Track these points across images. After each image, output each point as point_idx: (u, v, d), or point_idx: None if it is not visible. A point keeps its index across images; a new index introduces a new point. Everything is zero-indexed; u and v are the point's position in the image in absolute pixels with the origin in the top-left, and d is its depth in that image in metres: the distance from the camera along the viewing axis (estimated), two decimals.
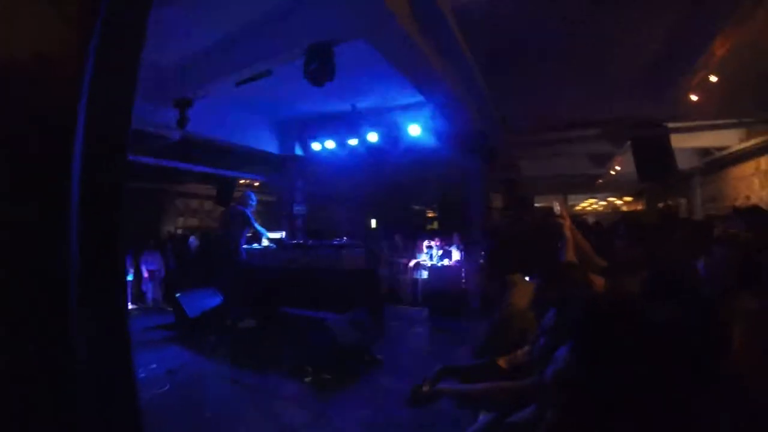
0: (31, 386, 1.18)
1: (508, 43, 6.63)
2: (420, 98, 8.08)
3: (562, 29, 6.29)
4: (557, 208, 3.35)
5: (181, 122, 7.37)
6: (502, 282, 3.35)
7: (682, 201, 14.16)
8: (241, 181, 12.81)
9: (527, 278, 3.35)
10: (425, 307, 9.29)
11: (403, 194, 14.46)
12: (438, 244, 10.49)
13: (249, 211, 7.73)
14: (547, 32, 6.36)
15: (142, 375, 5.32)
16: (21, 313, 1.17)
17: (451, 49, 6.17)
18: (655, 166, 7.68)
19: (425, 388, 2.48)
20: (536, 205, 15.65)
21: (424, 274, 10.29)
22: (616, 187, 18.09)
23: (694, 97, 7.83)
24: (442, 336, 7.45)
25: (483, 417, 2.57)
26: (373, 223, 15.68)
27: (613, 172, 13.62)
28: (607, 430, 1.35)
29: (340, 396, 4.90)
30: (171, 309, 7.80)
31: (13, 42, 1.15)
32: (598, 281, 2.63)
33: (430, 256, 10.36)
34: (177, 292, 7.64)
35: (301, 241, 8.83)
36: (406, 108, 9.16)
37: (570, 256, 3.05)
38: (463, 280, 9.26)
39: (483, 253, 7.43)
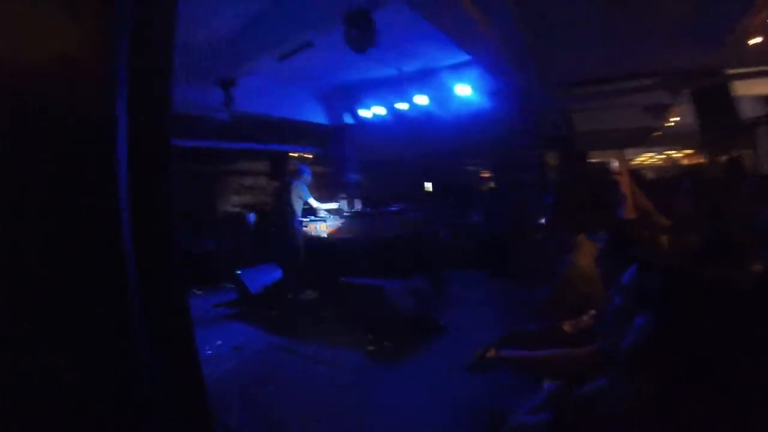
0: (96, 382, 1.20)
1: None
2: (466, 57, 7.82)
3: None
4: (614, 164, 3.15)
5: (227, 102, 7.43)
6: (562, 242, 3.22)
7: (748, 153, 13.27)
8: (294, 155, 12.88)
9: (589, 238, 3.21)
10: (484, 269, 9.13)
11: (455, 155, 14.22)
12: (493, 204, 10.24)
13: (303, 184, 7.73)
14: None
15: (209, 352, 5.45)
16: (81, 307, 1.18)
17: (492, 2, 5.87)
18: (717, 116, 7.16)
19: (488, 355, 2.42)
20: (591, 161, 15.08)
21: (481, 237, 10.10)
22: (675, 140, 17.03)
23: (756, 40, 7.18)
24: (502, 299, 7.30)
25: (547, 385, 2.47)
26: (428, 186, 15.53)
27: (670, 124, 12.91)
28: (686, 407, 1.24)
29: (402, 364, 4.90)
30: (233, 286, 7.97)
31: (35, 44, 1.14)
32: (662, 240, 2.47)
33: (485, 216, 10.15)
34: (237, 269, 7.77)
35: (358, 210, 8.83)
36: (452, 68, 8.90)
37: (630, 213, 2.87)
38: (521, 241, 9.04)
39: (542, 212, 7.19)
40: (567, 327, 2.59)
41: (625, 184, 2.97)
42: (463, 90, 8.84)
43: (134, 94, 1.32)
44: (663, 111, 11.92)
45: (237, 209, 13.80)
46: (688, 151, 19.09)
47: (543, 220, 7.17)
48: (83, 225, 1.18)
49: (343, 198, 10.63)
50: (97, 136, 1.20)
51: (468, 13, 5.59)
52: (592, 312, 2.53)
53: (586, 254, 2.97)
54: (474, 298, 7.57)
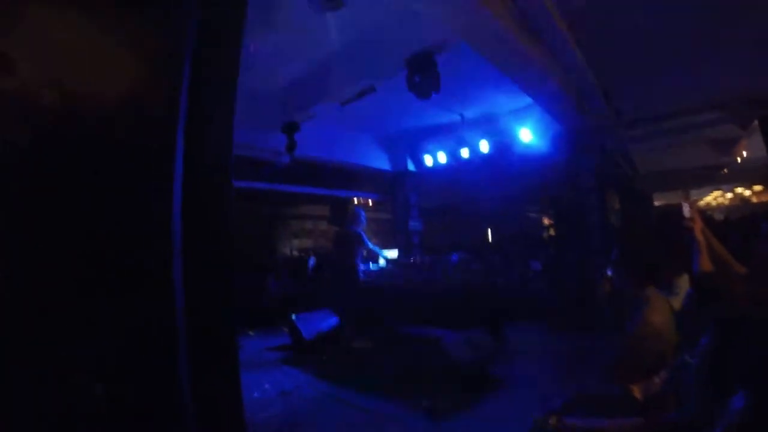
0: (141, 419, 1.16)
1: (614, 28, 5.96)
2: (529, 100, 7.68)
3: (673, 5, 5.55)
4: (686, 209, 2.83)
5: (290, 146, 7.53)
6: (631, 295, 2.96)
7: None
8: (355, 200, 12.96)
9: (660, 291, 2.94)
10: (545, 321, 8.70)
11: (517, 202, 13.96)
12: (555, 252, 9.83)
13: (362, 230, 7.69)
14: (656, 11, 5.64)
15: (255, 396, 5.33)
16: (130, 345, 1.15)
17: (555, 42, 5.71)
18: None
19: (551, 422, 2.17)
20: (656, 203, 14.42)
21: (543, 286, 9.68)
22: (744, 176, 16.02)
23: None
24: (565, 353, 6.88)
25: None
26: (489, 234, 15.26)
27: (739, 159, 12.21)
28: None
29: (458, 420, 4.58)
30: (286, 330, 7.90)
31: (98, 74, 1.13)
32: (739, 291, 2.18)
33: (547, 266, 9.74)
34: (292, 313, 7.71)
35: (418, 259, 8.70)
36: (515, 112, 8.81)
37: (706, 264, 2.55)
38: (586, 291, 8.59)
39: (607, 261, 6.78)
40: (637, 391, 2.35)
41: (699, 230, 2.64)
42: (525, 134, 8.66)
43: (194, 129, 1.30)
44: (731, 145, 11.29)
45: (296, 252, 13.96)
46: (758, 188, 17.98)
47: (609, 271, 6.77)
48: (135, 258, 1.16)
49: (402, 246, 10.54)
50: (156, 169, 1.20)
51: (531, 55, 5.44)
52: (663, 374, 2.28)
53: (657, 310, 2.73)
54: (534, 351, 7.18)
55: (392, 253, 8.85)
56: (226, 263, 1.43)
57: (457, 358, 5.41)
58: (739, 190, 19.01)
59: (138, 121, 1.15)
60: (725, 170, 13.66)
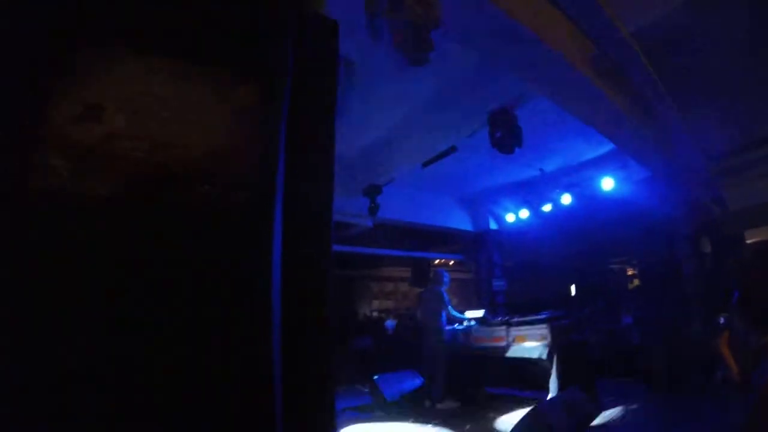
0: None
1: (694, 61, 5.68)
2: (609, 147, 7.48)
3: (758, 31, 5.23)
4: None
5: (372, 209, 7.63)
6: (757, 343, 2.65)
7: None
8: (436, 261, 12.86)
9: None
10: (641, 379, 8.07)
11: (599, 254, 13.38)
12: (645, 304, 9.21)
13: (444, 291, 7.58)
14: (740, 38, 5.34)
15: None
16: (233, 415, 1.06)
17: (639, 85, 5.52)
18: None
19: None
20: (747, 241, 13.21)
21: (635, 341, 9.06)
22: None
23: None
24: (669, 416, 6.31)
25: None
26: (572, 289, 14.64)
27: None
28: None
29: None
30: (367, 390, 7.76)
31: (186, 142, 1.09)
32: None
33: (638, 319, 9.14)
34: (374, 374, 7.58)
35: (505, 318, 8.43)
36: (596, 162, 8.56)
37: None
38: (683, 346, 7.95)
39: (718, 310, 6.26)
40: None
41: None
42: (608, 183, 8.37)
43: (293, 190, 1.25)
44: None
45: (377, 314, 13.90)
46: None
47: (722, 320, 6.23)
48: (232, 323, 1.08)
49: (486, 305, 10.26)
50: (253, 234, 1.12)
51: (610, 100, 5.30)
52: None
53: None
54: (630, 410, 6.64)
55: (476, 314, 8.60)
56: (326, 331, 1.35)
57: (557, 425, 5.06)
58: None
59: (232, 179, 1.10)
60: None
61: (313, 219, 1.35)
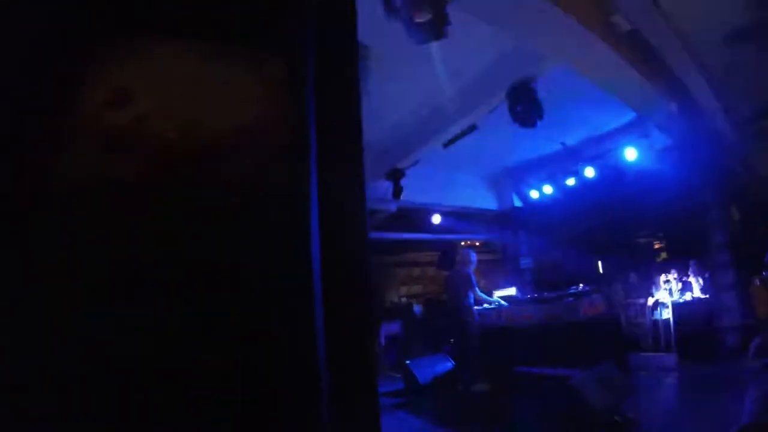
0: None
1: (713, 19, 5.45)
2: (631, 116, 7.40)
3: None
4: None
5: (396, 193, 7.61)
6: None
7: None
8: (462, 243, 12.79)
9: None
10: (672, 352, 7.98)
11: (625, 227, 13.23)
12: (675, 276, 9.08)
13: (471, 272, 7.55)
14: None
15: None
16: (277, 404, 1.06)
17: (660, 49, 5.38)
18: None
19: None
20: None
21: (665, 314, 8.94)
22: None
23: None
24: (699, 386, 6.26)
25: None
26: (600, 264, 14.52)
27: None
28: None
29: None
30: (399, 375, 7.80)
31: (218, 119, 1.07)
32: None
33: (669, 291, 8.99)
34: (405, 359, 7.65)
35: (536, 295, 8.38)
36: (618, 132, 8.46)
37: None
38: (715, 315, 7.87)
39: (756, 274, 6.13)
40: None
41: None
42: (631, 154, 8.23)
43: (327, 164, 1.22)
44: None
45: (405, 300, 13.92)
46: None
47: (756, 281, 6.10)
48: (274, 310, 1.05)
49: (514, 284, 10.22)
50: (291, 211, 1.09)
51: (631, 65, 5.16)
52: None
53: None
54: (665, 384, 6.58)
55: (507, 292, 8.57)
56: (368, 314, 1.32)
57: (591, 399, 5.02)
58: None
59: (267, 153, 1.07)
60: None
61: (347, 201, 1.32)
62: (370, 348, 1.37)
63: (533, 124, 5.27)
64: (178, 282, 0.98)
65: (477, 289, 7.49)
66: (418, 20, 2.71)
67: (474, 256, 7.77)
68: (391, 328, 11.09)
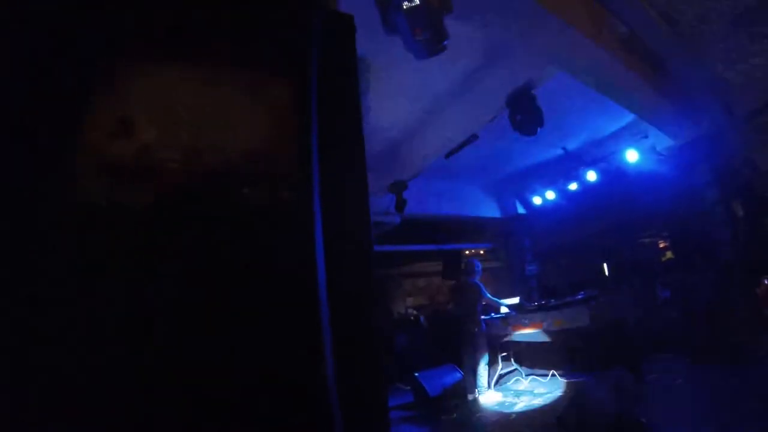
0: None
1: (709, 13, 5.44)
2: (630, 117, 7.41)
3: None
4: None
5: (399, 205, 7.61)
6: None
7: None
8: (467, 252, 12.78)
9: None
10: (683, 353, 7.91)
11: (629, 229, 13.20)
12: (678, 276, 9.02)
13: (478, 281, 7.55)
14: None
15: None
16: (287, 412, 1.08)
17: (655, 49, 5.39)
18: None
19: None
20: None
21: (674, 315, 8.86)
22: None
23: None
24: (712, 389, 6.17)
25: None
26: (605, 267, 14.44)
27: None
28: None
29: None
30: (408, 388, 7.75)
31: (222, 147, 1.09)
32: None
33: (677, 291, 8.93)
34: (413, 372, 7.58)
35: (542, 302, 8.35)
36: (618, 135, 8.47)
37: None
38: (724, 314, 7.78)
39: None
40: None
41: None
42: (632, 155, 8.23)
43: (330, 186, 1.24)
44: None
45: (411, 311, 13.86)
46: None
47: (765, 281, 6.06)
48: (282, 322, 1.08)
49: (519, 291, 10.19)
50: (295, 233, 1.11)
51: (627, 67, 5.17)
52: None
53: None
54: (678, 388, 6.52)
55: (512, 301, 8.54)
56: (374, 326, 1.35)
57: (602, 403, 5.01)
58: None
59: (272, 179, 1.09)
60: None
61: (351, 215, 1.34)
62: (378, 369, 1.38)
63: (534, 133, 5.29)
64: (189, 299, 1.01)
65: (487, 294, 7.47)
66: (418, 38, 2.74)
67: (479, 265, 7.77)
68: (398, 339, 11.04)
